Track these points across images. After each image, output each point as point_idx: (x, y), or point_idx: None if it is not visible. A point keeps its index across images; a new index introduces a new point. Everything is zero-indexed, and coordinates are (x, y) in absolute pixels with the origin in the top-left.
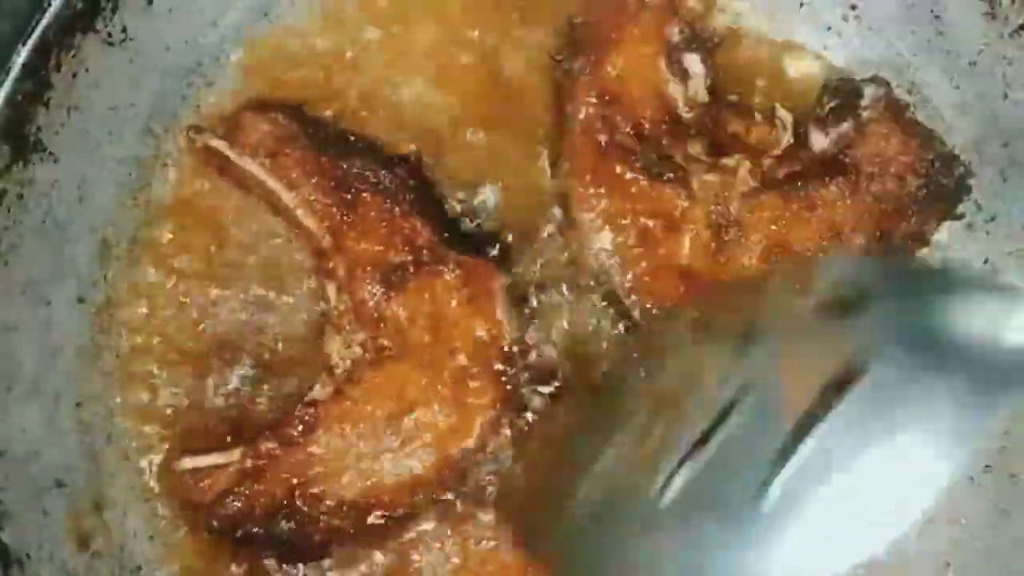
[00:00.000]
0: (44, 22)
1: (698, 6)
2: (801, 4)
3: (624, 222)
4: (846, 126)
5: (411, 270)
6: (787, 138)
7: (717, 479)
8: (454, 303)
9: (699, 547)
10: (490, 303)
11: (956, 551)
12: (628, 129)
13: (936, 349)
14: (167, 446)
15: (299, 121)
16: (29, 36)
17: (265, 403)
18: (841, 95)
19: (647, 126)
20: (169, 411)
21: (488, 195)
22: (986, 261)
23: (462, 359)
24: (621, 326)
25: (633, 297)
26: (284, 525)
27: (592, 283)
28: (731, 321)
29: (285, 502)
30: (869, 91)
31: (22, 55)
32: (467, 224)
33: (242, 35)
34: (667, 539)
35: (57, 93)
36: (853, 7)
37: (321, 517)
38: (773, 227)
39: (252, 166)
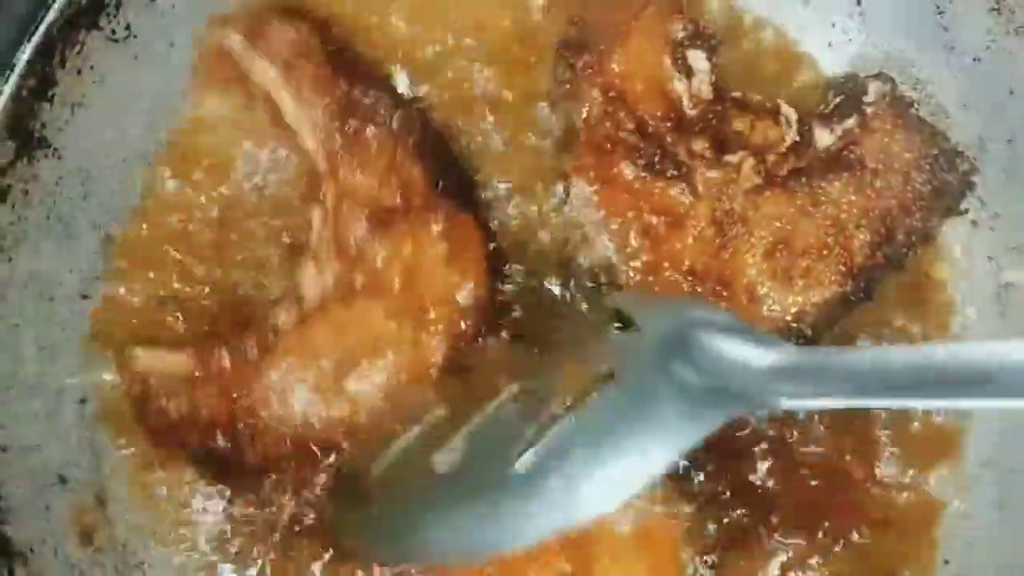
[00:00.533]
0: (48, 19)
1: (702, 2)
2: (806, 0)
3: (627, 218)
4: (850, 122)
5: (399, 213)
6: (792, 134)
7: (489, 448)
8: (434, 256)
9: (472, 505)
10: (470, 264)
11: (954, 545)
12: (632, 125)
13: (672, 370)
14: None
15: (323, 37)
16: (33, 33)
17: None
18: (845, 92)
19: (651, 122)
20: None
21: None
22: (990, 258)
23: (430, 313)
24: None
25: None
26: (220, 442)
27: (589, 278)
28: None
29: (225, 419)
30: (873, 88)
31: (27, 52)
32: (466, 176)
33: None
34: (443, 499)
35: (61, 90)
36: (858, 3)
37: (256, 439)
38: (777, 224)
39: (267, 70)
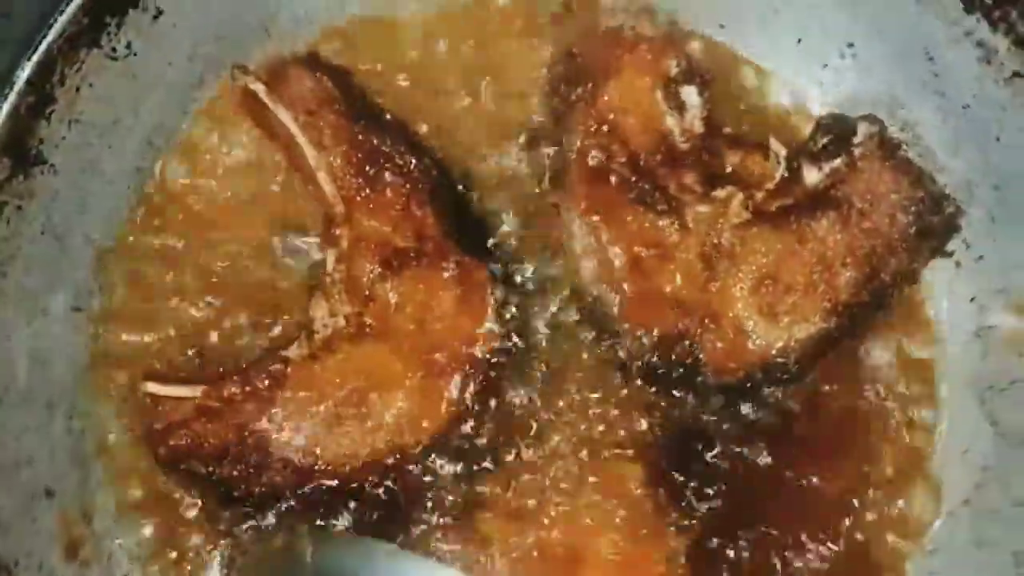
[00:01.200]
0: (49, 38)
1: (694, 40)
2: (799, 40)
3: (617, 249)
4: (839, 162)
5: (412, 258)
6: (781, 171)
7: None
8: (445, 300)
9: None
10: (479, 310)
11: None
12: (624, 158)
13: None
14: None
15: (342, 86)
16: (34, 51)
17: None
18: (835, 131)
19: (643, 156)
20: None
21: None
22: (972, 299)
23: (438, 356)
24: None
25: (625, 325)
26: (227, 470)
27: (580, 309)
28: None
29: (234, 448)
30: (862, 128)
31: (26, 70)
32: (476, 226)
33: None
34: None
35: (60, 107)
36: (850, 45)
37: (264, 472)
38: (764, 259)
39: (286, 118)
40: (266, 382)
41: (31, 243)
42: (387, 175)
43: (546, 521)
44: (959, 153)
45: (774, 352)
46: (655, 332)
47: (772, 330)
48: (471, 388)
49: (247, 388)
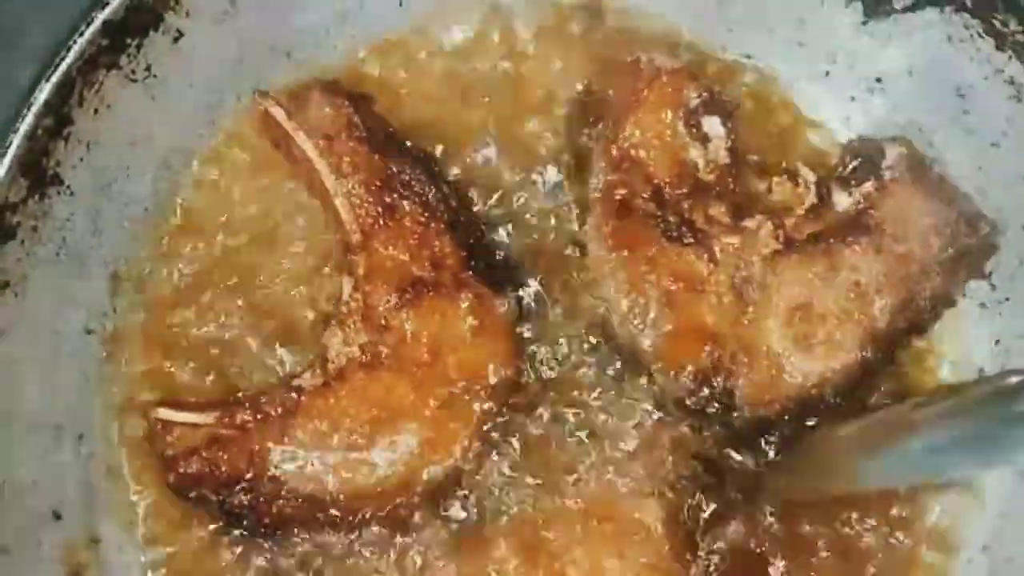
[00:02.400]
0: (69, 59)
1: (719, 71)
2: (827, 73)
3: (646, 285)
4: (869, 185)
5: (429, 288)
6: (811, 197)
7: None
8: (461, 332)
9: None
10: (496, 342)
11: None
12: (648, 192)
13: None
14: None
15: (363, 113)
16: (53, 72)
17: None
18: (863, 154)
19: (668, 189)
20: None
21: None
22: (997, 342)
23: (454, 387)
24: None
25: (659, 363)
26: (239, 498)
27: (609, 345)
28: None
29: (246, 477)
30: (891, 150)
31: (45, 91)
32: (495, 258)
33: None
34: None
35: (77, 128)
36: (879, 80)
37: (276, 501)
38: (797, 289)
39: (305, 144)
40: (279, 410)
41: (46, 264)
42: (406, 204)
43: (561, 557)
44: (987, 193)
45: (811, 384)
46: (689, 368)
47: (807, 361)
48: (488, 420)
49: (260, 416)
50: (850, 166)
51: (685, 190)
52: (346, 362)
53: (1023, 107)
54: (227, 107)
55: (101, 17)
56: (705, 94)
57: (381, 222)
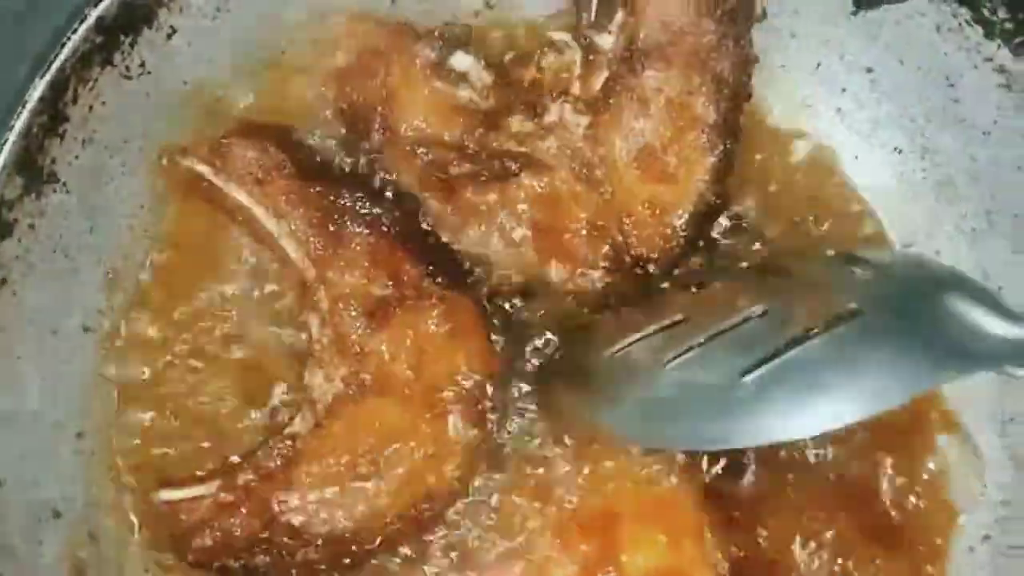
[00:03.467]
0: (62, 56)
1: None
2: (818, 65)
3: (511, 232)
4: (620, 15)
5: (394, 305)
6: (578, 54)
7: (714, 363)
8: (436, 339)
9: (690, 409)
10: (471, 339)
11: None
12: (454, 156)
13: (917, 319)
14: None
15: (286, 148)
16: (47, 69)
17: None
18: None
19: (466, 141)
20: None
21: None
22: None
23: (443, 395)
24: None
25: (567, 280)
26: (261, 558)
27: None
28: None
29: (262, 535)
30: None
31: (39, 88)
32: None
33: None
34: (667, 397)
35: (72, 125)
36: (869, 70)
37: (298, 550)
38: (627, 141)
39: (237, 193)
40: (279, 462)
41: (42, 262)
42: (350, 228)
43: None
44: (979, 181)
45: (694, 204)
46: (596, 265)
47: (678, 187)
48: (483, 415)
49: (261, 472)
50: (594, 10)
51: (481, 129)
52: (332, 399)
53: (1013, 95)
54: (222, 104)
55: (94, 14)
56: (436, 40)
57: (331, 251)
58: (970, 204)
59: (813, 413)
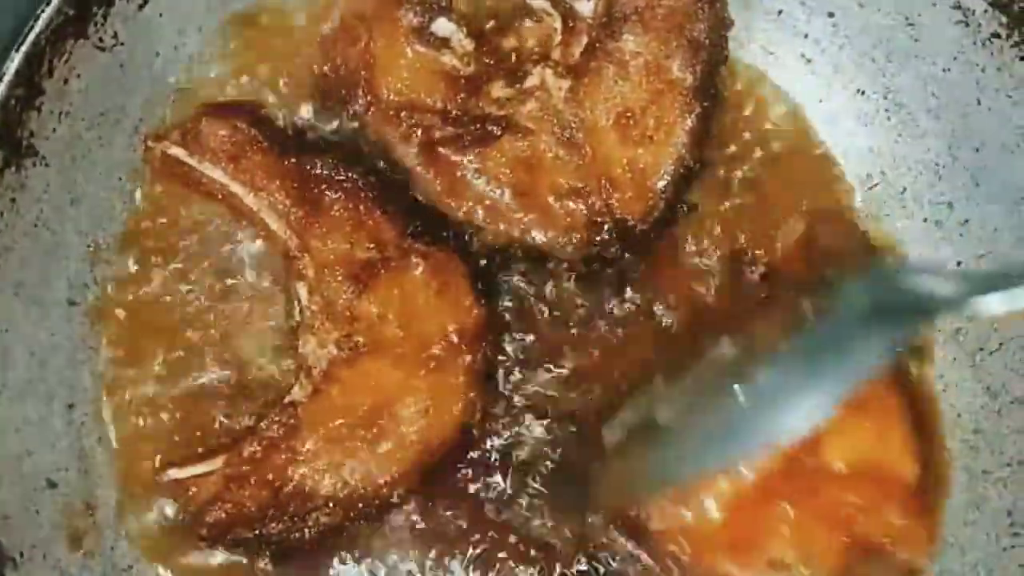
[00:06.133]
0: (37, 28)
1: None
2: (779, 12)
3: (495, 192)
4: None
5: (379, 266)
6: (557, 21)
7: (711, 389)
8: (423, 296)
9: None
10: (458, 293)
11: None
12: (437, 121)
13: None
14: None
15: (257, 123)
16: (22, 43)
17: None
18: None
19: (449, 105)
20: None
21: None
22: (959, 263)
23: (435, 350)
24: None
25: (553, 241)
26: (274, 526)
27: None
28: None
29: (272, 504)
30: None
31: (15, 61)
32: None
33: (228, 37)
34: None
35: (49, 98)
36: (831, 15)
37: (309, 515)
38: (607, 104)
39: (213, 172)
40: (281, 431)
41: (25, 236)
42: (328, 195)
43: None
44: (941, 118)
45: (672, 165)
46: (576, 228)
47: (657, 149)
48: (477, 366)
49: (265, 442)
50: None
51: (463, 94)
52: (327, 364)
53: (971, 31)
54: (196, 76)
55: None
56: (419, 6)
57: (311, 220)
58: (933, 140)
59: (793, 415)
